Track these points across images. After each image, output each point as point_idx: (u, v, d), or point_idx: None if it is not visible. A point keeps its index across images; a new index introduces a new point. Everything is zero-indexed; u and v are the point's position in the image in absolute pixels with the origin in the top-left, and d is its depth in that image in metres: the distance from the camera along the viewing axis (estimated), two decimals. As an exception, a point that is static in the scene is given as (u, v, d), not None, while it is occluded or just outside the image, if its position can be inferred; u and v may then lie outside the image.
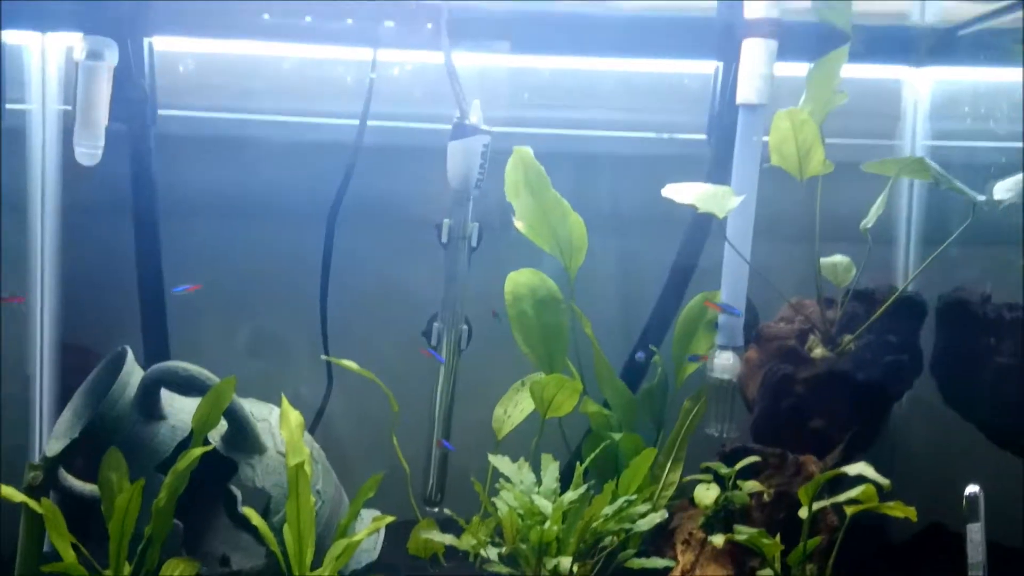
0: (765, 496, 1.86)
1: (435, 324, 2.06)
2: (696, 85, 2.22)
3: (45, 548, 1.81)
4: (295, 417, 1.80)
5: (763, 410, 1.99)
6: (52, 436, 1.84)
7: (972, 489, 1.69)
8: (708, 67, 2.17)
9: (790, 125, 1.94)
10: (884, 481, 1.67)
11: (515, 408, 2.05)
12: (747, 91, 2.02)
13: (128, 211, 2.13)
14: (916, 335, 2.01)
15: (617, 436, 1.98)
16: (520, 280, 2.09)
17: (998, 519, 1.71)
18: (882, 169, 1.97)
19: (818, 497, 1.73)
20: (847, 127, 2.13)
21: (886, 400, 2.00)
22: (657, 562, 1.76)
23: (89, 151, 1.99)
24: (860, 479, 1.70)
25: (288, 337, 2.28)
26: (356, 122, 2.11)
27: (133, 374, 1.86)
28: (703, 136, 2.20)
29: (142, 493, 1.68)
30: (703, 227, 2.17)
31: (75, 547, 1.71)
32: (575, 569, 1.71)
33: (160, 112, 2.14)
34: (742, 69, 2.02)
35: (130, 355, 1.87)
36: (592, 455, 1.91)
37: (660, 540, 1.91)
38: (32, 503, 1.72)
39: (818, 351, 2.00)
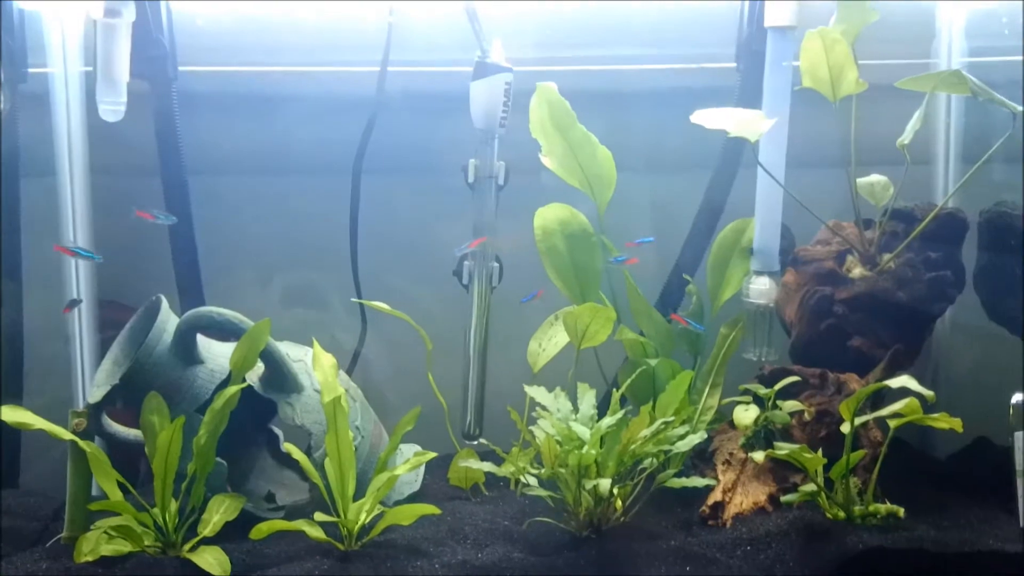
0: (806, 415, 1.83)
1: (465, 263, 2.06)
2: (722, 13, 2.17)
3: (93, 492, 1.84)
4: (327, 359, 1.81)
5: (802, 332, 1.96)
6: (93, 384, 1.87)
7: (1019, 397, 1.67)
8: (734, -7, 2.13)
9: (821, 45, 1.90)
10: (928, 393, 1.64)
11: (549, 342, 2.04)
12: (776, 14, 1.99)
13: (155, 168, 2.14)
14: (957, 251, 1.97)
15: (653, 362, 1.96)
16: (549, 215, 2.07)
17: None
18: (918, 85, 1.91)
19: (860, 413, 1.70)
20: (880, 49, 2.07)
21: (928, 317, 1.96)
22: (697, 481, 1.74)
23: (112, 107, 1.99)
24: (903, 394, 1.67)
25: (321, 286, 2.27)
26: (377, 69, 2.10)
27: (169, 321, 1.87)
28: (732, 65, 2.16)
29: (183, 433, 1.70)
30: (734, 156, 2.13)
31: (122, 487, 1.73)
32: (615, 491, 1.70)
33: (181, 68, 2.13)
34: (770, -9, 1.98)
35: (165, 303, 1.88)
36: (629, 380, 1.89)
37: (700, 464, 1.90)
38: (80, 442, 1.74)
39: (857, 271, 1.96)
